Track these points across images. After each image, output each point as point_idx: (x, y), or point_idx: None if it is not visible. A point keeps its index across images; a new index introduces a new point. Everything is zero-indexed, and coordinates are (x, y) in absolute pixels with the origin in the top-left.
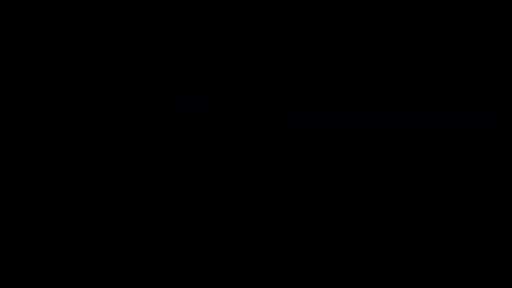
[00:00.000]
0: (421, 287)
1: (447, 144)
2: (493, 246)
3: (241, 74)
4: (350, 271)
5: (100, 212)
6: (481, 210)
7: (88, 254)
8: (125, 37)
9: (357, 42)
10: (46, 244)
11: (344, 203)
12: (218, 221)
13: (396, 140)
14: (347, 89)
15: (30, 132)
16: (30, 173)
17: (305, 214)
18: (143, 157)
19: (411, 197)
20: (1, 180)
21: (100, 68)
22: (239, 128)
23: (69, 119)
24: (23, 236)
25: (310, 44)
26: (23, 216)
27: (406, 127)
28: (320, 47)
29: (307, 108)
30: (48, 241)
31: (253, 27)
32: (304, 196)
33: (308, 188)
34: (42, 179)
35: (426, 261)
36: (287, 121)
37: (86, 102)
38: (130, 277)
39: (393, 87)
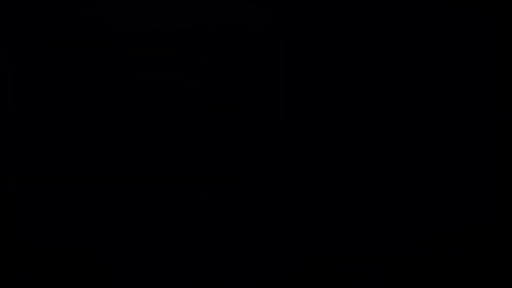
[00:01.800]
0: (421, 287)
1: (447, 144)
2: (493, 246)
3: (241, 74)
4: (350, 271)
5: (100, 212)
6: (481, 210)
7: (88, 254)
8: (125, 37)
9: (357, 42)
10: (46, 244)
11: (344, 203)
12: (218, 221)
13: (396, 140)
14: (347, 89)
15: (30, 132)
16: (30, 173)
17: (305, 214)
18: (143, 157)
19: (411, 197)
20: (1, 180)
21: (100, 68)
22: (239, 128)
23: (69, 119)
24: (23, 236)
25: (310, 44)
26: (23, 216)
27: (406, 127)
28: (320, 47)
29: (307, 108)
30: (48, 241)
31: (253, 27)
32: (304, 196)
33: (308, 188)
34: (42, 179)
35: (426, 261)
36: (287, 121)
37: (86, 102)
38: (130, 277)
39: (393, 87)
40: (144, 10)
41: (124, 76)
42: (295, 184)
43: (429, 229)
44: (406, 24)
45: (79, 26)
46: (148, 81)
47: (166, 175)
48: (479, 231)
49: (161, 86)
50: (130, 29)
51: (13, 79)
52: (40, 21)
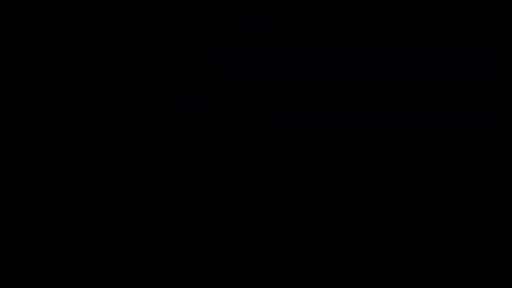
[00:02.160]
0: (421, 287)
1: (447, 144)
2: (493, 246)
3: (241, 74)
4: (350, 271)
5: (100, 212)
6: (481, 210)
7: (88, 254)
8: (125, 37)
9: (357, 42)
10: (46, 244)
11: (344, 203)
12: (218, 221)
13: (396, 140)
14: (347, 89)
15: (30, 132)
16: (30, 173)
17: (304, 214)
18: (143, 157)
19: (411, 197)
20: (1, 180)
21: (100, 68)
22: (239, 128)
23: (69, 119)
24: (23, 236)
25: (310, 44)
26: (23, 216)
27: (406, 127)
28: (320, 47)
29: (307, 108)
30: (48, 241)
31: (253, 27)
32: (304, 196)
33: (308, 188)
34: (42, 179)
35: (426, 261)
36: (287, 121)
37: (86, 102)
38: (130, 277)
39: (393, 87)
40: (144, 10)
41: (124, 76)
42: (295, 184)
43: (429, 229)
44: (406, 24)
45: (79, 26)
46: (148, 81)
47: (166, 175)
48: (479, 231)
49: (161, 86)
50: (130, 29)
51: (13, 79)
52: (40, 21)
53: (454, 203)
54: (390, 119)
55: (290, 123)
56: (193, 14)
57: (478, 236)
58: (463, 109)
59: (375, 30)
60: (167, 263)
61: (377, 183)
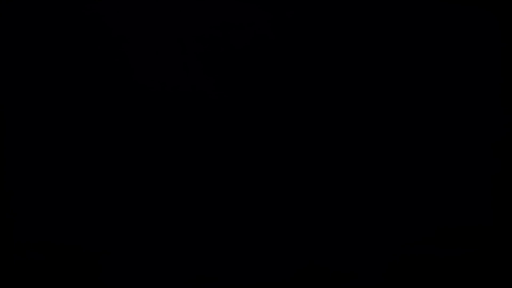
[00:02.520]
0: (421, 286)
1: (447, 143)
2: (493, 244)
3: (241, 74)
4: (350, 271)
5: (100, 211)
6: (481, 209)
7: (88, 254)
8: (125, 37)
9: (357, 42)
10: (46, 243)
11: (344, 203)
12: (218, 221)
13: (396, 139)
14: (347, 89)
15: (30, 132)
16: (30, 173)
17: (304, 213)
18: (143, 157)
19: (411, 196)
20: (1, 180)
21: (100, 68)
22: (239, 128)
23: (69, 119)
24: (23, 235)
25: (310, 44)
26: (23, 215)
27: (406, 127)
28: (320, 47)
29: (307, 108)
30: (48, 241)
31: (253, 27)
32: (303, 196)
33: (308, 187)
34: (42, 179)
35: (426, 260)
36: (287, 121)
37: (86, 102)
38: (130, 277)
39: (393, 87)
40: (144, 10)
41: (124, 76)
42: (294, 183)
43: (428, 228)
44: (406, 24)
45: (79, 26)
46: (148, 81)
47: (166, 175)
48: (479, 230)
49: (161, 86)
50: (130, 29)
51: (13, 79)
52: (40, 21)
53: (454, 202)
54: (390, 119)
55: (290, 123)
56: (193, 14)
57: (478, 235)
58: (463, 109)
59: (375, 30)
60: (167, 262)
61: (377, 182)
